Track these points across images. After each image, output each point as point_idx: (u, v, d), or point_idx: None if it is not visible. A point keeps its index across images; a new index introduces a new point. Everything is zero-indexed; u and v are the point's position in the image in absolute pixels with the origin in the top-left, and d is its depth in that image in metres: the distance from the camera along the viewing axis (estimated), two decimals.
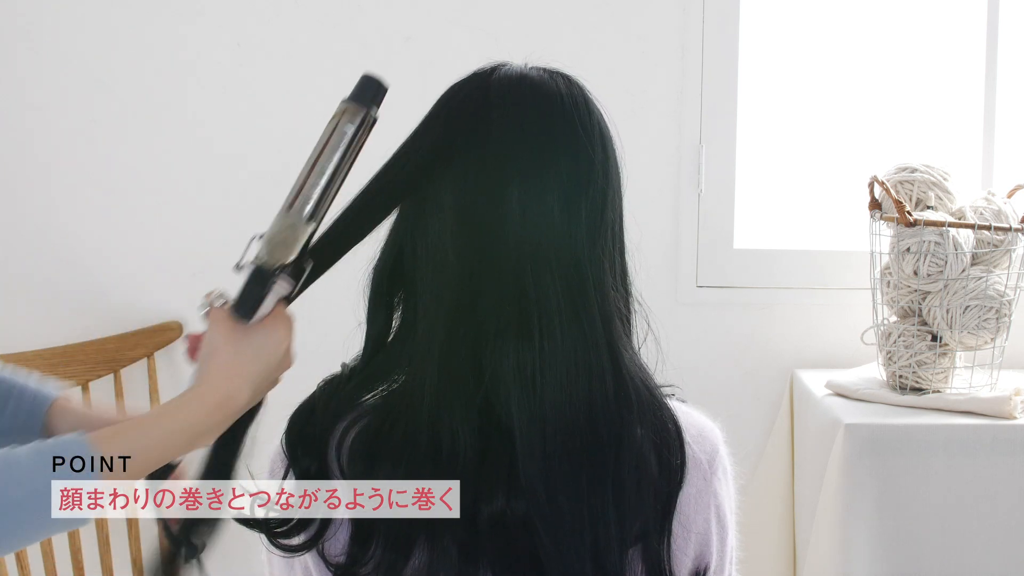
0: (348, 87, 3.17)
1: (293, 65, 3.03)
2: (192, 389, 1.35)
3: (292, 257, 1.36)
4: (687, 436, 1.37)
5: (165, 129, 3.02)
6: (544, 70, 1.40)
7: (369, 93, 1.37)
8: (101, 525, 2.88)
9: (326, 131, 1.37)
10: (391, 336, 1.39)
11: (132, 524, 2.90)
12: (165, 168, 3.03)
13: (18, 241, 3.01)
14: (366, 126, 1.38)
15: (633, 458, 1.32)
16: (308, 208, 1.36)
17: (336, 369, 1.42)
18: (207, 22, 3.01)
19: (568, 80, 1.40)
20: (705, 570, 1.41)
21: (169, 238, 3.02)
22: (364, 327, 1.40)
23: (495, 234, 1.31)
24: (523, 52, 1.50)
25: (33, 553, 2.91)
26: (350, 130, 1.37)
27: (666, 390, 1.41)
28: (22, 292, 2.99)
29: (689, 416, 1.42)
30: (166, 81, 3.01)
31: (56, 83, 2.99)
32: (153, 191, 3.03)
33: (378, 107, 1.38)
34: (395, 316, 1.39)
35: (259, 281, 1.36)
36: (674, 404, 1.40)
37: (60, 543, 2.90)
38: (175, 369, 3.00)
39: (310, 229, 1.37)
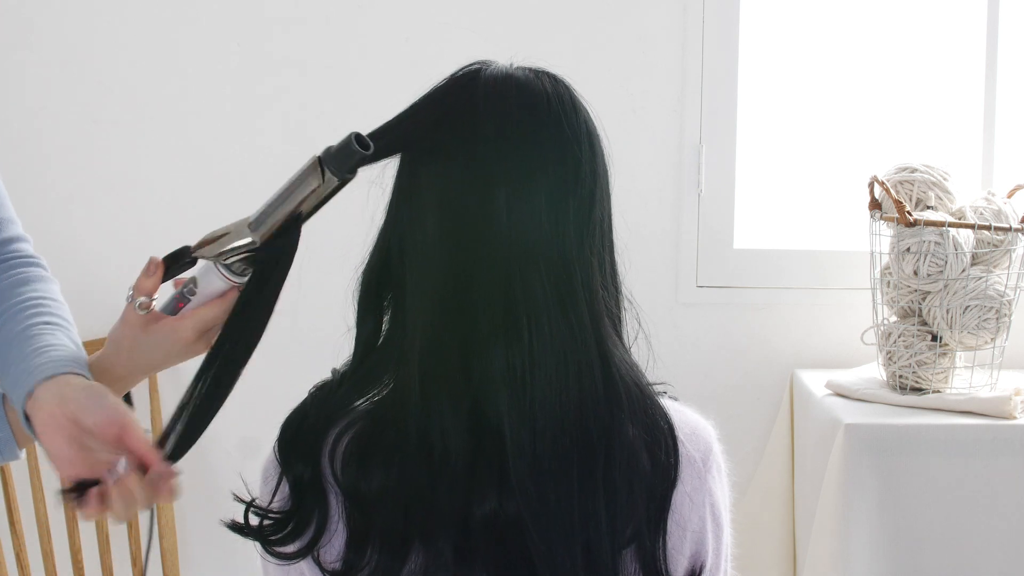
0: (348, 88, 3.16)
1: (293, 65, 3.03)
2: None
3: (219, 251, 1.43)
4: (680, 434, 1.36)
5: (164, 129, 3.02)
6: (529, 69, 1.39)
7: (350, 163, 1.35)
8: (101, 525, 2.88)
9: (300, 187, 1.38)
10: (381, 339, 1.39)
11: (132, 524, 2.90)
12: (164, 168, 3.03)
13: None
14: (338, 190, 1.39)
15: (624, 458, 1.31)
16: (256, 220, 1.40)
17: (327, 375, 1.42)
18: (207, 23, 3.01)
19: (554, 79, 1.39)
20: (701, 568, 1.40)
21: (169, 238, 3.01)
22: (354, 332, 1.40)
23: (482, 234, 1.30)
24: (523, 52, 1.50)
25: (33, 553, 2.91)
26: (321, 195, 1.38)
27: (657, 388, 1.41)
28: None
29: (682, 414, 1.41)
30: (166, 82, 3.01)
31: (56, 84, 2.99)
32: (152, 191, 3.03)
33: (355, 173, 1.37)
34: (384, 319, 1.39)
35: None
36: (666, 402, 1.39)
37: (60, 543, 2.91)
38: (175, 368, 3.00)
39: (249, 238, 1.41)
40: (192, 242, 1.50)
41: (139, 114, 3.01)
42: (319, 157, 1.35)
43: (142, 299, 1.49)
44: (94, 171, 3.01)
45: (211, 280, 1.46)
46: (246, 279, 1.43)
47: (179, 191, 3.03)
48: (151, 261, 1.49)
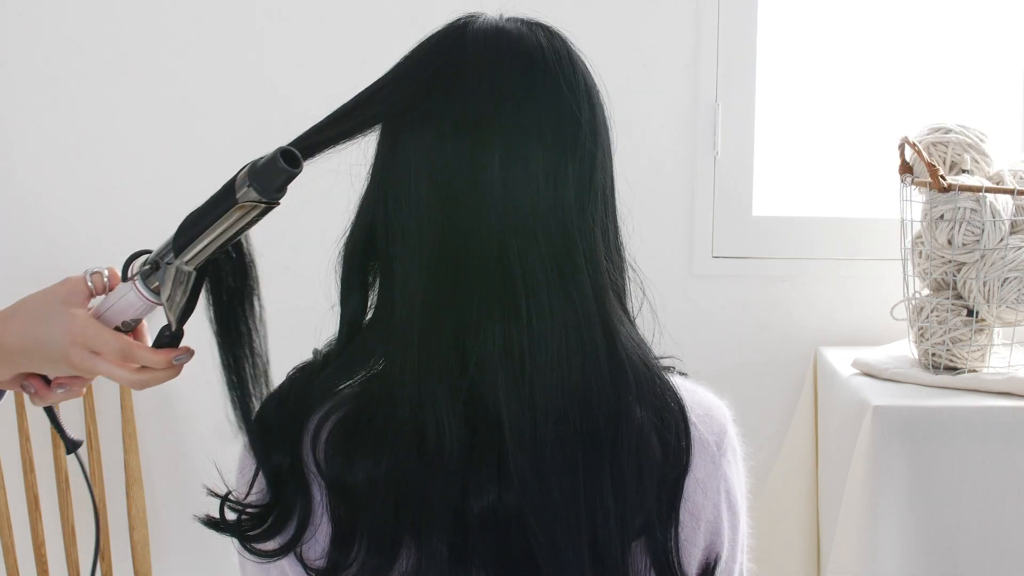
0: (349, 75, 3.14)
1: (287, 34, 3.02)
2: None
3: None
4: (692, 416, 1.36)
5: (141, 96, 3.02)
6: (522, 22, 1.37)
7: (277, 183, 1.31)
8: (66, 516, 2.88)
9: (228, 212, 1.35)
10: (368, 317, 1.38)
11: (101, 515, 2.90)
12: (138, 136, 3.02)
13: None
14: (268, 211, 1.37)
15: (632, 443, 1.31)
16: (181, 245, 1.38)
17: (307, 356, 1.41)
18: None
19: (549, 32, 1.37)
20: (716, 560, 1.40)
21: (143, 209, 3.01)
22: (338, 309, 1.39)
23: (475, 204, 1.29)
24: (521, 3, 1.49)
25: None
26: (250, 218, 1.36)
27: (664, 362, 1.40)
28: None
29: (694, 394, 1.41)
30: (148, 44, 3.01)
31: (19, 40, 2.98)
32: (124, 159, 3.02)
33: (284, 193, 1.34)
34: (371, 295, 1.38)
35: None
36: (676, 381, 1.39)
37: (23, 537, 2.91)
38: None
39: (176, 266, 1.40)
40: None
41: (111, 75, 3.00)
42: (246, 175, 1.32)
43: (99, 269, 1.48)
44: (59, 136, 3.01)
45: (129, 298, 1.44)
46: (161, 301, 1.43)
47: (152, 161, 3.03)
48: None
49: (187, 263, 1.38)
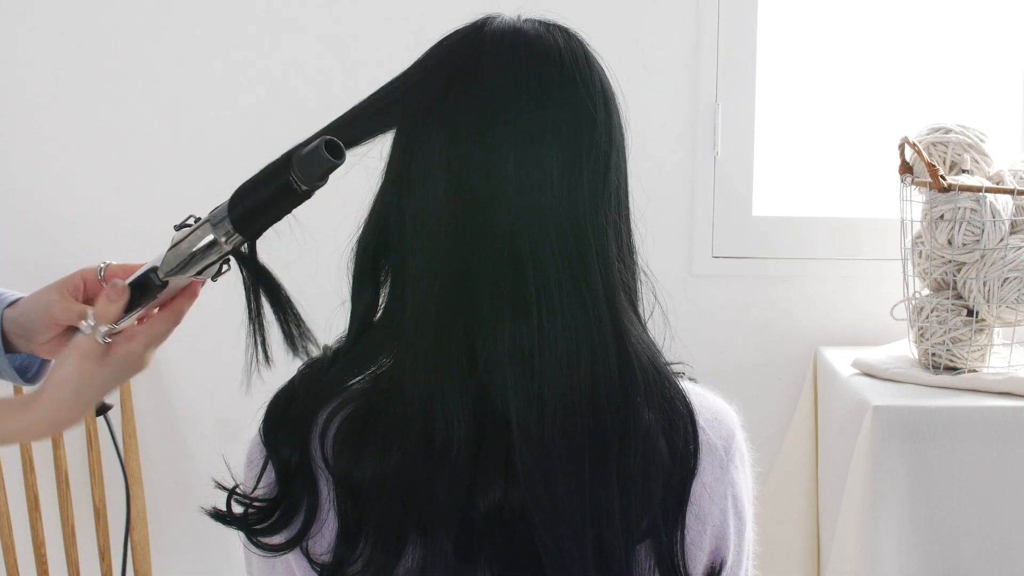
0: (350, 75, 3.13)
1: (284, 24, 3.02)
2: (27, 407, 1.47)
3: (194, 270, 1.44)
4: (700, 420, 1.36)
5: (141, 96, 3.01)
6: (539, 23, 1.38)
7: (319, 172, 1.33)
8: (66, 516, 2.88)
9: (276, 194, 1.36)
10: (378, 314, 1.38)
11: (100, 515, 2.90)
12: (137, 136, 3.02)
13: None
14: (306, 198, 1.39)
15: (640, 445, 1.31)
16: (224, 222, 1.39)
17: (317, 352, 1.41)
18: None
19: (566, 33, 1.38)
20: (721, 565, 1.40)
21: (140, 205, 3.01)
22: (348, 306, 1.39)
23: (489, 203, 1.29)
24: (526, 3, 1.49)
25: None
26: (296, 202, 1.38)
27: (674, 367, 1.41)
28: None
29: (703, 398, 1.41)
30: (145, 43, 3.00)
31: (19, 40, 2.98)
32: (124, 159, 3.02)
33: (326, 181, 1.36)
34: (382, 292, 1.38)
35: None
36: (686, 385, 1.39)
37: (23, 535, 2.91)
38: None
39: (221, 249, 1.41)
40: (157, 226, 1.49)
41: (109, 72, 3.00)
42: (289, 161, 1.33)
43: (106, 328, 1.45)
44: (59, 133, 3.01)
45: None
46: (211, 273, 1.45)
47: (151, 155, 3.02)
48: (114, 286, 1.45)
49: (234, 245, 1.40)
